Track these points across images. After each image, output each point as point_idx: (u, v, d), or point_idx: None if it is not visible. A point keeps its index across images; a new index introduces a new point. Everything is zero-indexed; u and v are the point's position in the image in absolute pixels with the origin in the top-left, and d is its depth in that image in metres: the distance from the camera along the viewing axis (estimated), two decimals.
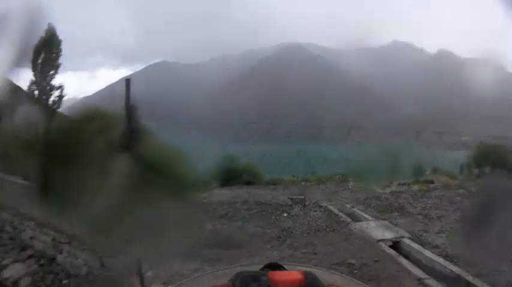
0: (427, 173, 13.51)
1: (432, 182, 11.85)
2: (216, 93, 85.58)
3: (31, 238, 4.07)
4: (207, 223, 8.00)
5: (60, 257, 3.91)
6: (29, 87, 15.61)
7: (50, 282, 3.63)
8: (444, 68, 77.39)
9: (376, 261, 5.56)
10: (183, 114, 76.70)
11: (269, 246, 6.48)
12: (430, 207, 8.94)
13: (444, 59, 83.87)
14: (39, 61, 15.36)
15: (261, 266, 1.45)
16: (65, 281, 3.74)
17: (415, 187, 11.09)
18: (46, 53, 15.58)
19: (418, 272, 5.23)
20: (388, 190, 10.84)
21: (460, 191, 10.14)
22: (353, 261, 5.52)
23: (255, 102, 79.95)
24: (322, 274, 1.37)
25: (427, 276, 5.06)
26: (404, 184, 11.53)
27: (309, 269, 1.37)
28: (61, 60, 16.32)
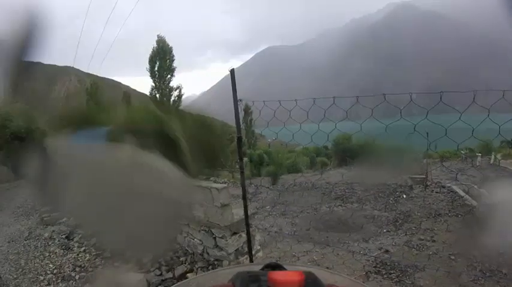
0: None
1: None
2: (324, 71, 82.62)
3: None
4: (323, 204, 7.86)
5: (179, 237, 4.22)
6: (151, 92, 18.63)
7: (169, 258, 3.95)
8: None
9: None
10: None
11: (385, 230, 6.05)
12: None
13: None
14: (156, 69, 18.05)
15: (261, 266, 1.03)
16: (182, 258, 4.00)
17: None
18: (160, 60, 18.15)
19: None
20: None
21: None
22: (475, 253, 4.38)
23: (367, 74, 73.13)
24: (322, 274, 0.93)
25: None
26: None
27: (309, 269, 0.91)
28: (175, 63, 18.70)
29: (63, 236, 5.19)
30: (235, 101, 2.67)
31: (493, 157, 11.28)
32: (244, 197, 2.83)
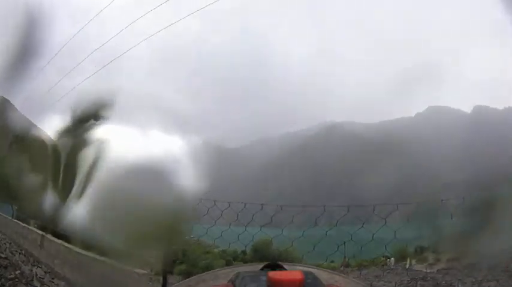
0: None
1: None
2: (254, 177, 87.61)
3: None
4: None
5: None
6: None
7: None
8: (482, 125, 73.34)
9: None
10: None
11: None
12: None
13: (481, 115, 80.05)
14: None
15: (261, 266, 1.60)
16: None
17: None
18: None
19: None
20: (435, 268, 10.17)
21: None
22: None
23: (294, 186, 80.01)
24: (322, 274, 1.44)
25: None
26: (453, 259, 10.73)
27: (309, 269, 1.43)
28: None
29: None
30: None
31: (408, 261, 12.27)
32: None
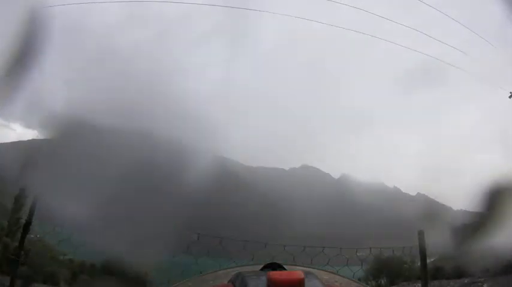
0: None
1: None
2: None
3: None
4: None
5: None
6: None
7: None
8: (345, 191, 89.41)
9: None
10: None
11: None
12: None
13: (346, 182, 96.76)
14: None
15: (261, 266, 1.77)
16: None
17: None
18: None
19: None
20: None
21: None
22: None
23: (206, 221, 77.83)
24: (322, 274, 1.63)
25: None
26: None
27: (309, 269, 1.56)
28: None
29: None
30: None
31: None
32: None
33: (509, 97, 27.74)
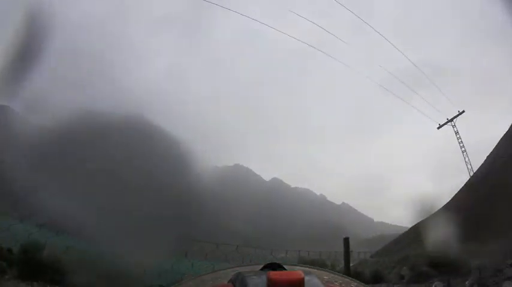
0: None
1: None
2: None
3: None
4: None
5: None
6: None
7: None
8: (275, 193, 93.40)
9: None
10: None
11: None
12: None
13: (276, 185, 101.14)
14: None
15: (261, 266, 1.62)
16: None
17: None
18: None
19: None
20: None
21: None
22: None
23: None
24: (322, 274, 1.52)
25: None
26: None
27: (309, 269, 1.49)
28: None
29: None
30: None
31: None
32: None
33: (438, 128, 32.65)
